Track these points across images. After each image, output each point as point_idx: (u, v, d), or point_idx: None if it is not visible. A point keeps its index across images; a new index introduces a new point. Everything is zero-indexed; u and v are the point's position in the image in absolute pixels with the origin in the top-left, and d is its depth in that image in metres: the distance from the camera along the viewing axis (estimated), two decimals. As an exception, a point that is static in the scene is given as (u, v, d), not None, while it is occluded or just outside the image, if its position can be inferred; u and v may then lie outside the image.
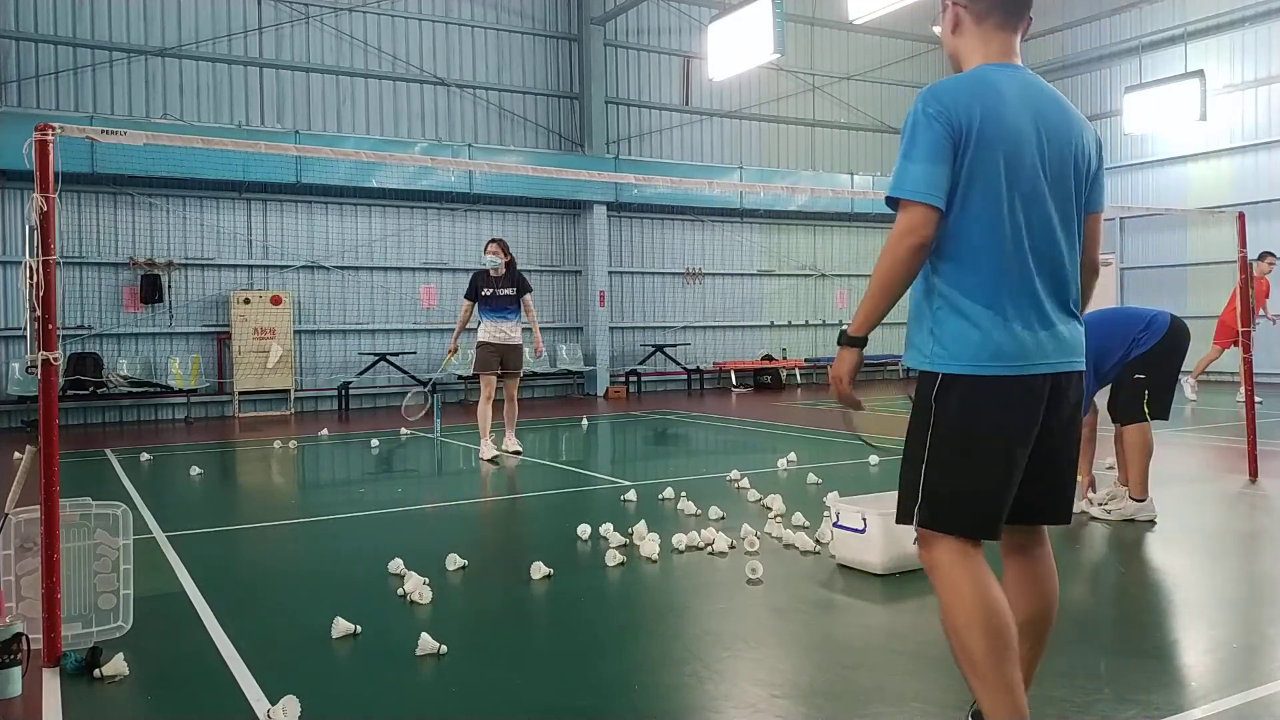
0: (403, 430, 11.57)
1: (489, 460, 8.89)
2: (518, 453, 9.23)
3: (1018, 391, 2.41)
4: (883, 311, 2.44)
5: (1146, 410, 5.74)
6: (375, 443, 10.55)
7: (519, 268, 9.52)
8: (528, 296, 9.24)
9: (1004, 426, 2.42)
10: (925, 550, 2.51)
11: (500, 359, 9.09)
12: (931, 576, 2.51)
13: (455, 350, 9.56)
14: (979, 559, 2.45)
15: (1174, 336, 5.73)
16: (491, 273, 9.13)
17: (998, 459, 2.43)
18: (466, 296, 9.28)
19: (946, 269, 2.45)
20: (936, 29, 2.76)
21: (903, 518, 2.54)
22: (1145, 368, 5.70)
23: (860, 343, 2.50)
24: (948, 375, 2.44)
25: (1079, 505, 6.00)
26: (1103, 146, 2.67)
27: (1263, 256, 12.52)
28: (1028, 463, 2.48)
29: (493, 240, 9.25)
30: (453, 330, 9.67)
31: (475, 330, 9.34)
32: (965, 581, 2.41)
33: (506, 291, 9.09)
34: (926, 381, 2.47)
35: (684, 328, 18.39)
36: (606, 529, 5.46)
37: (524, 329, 9.31)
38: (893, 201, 2.42)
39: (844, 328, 2.53)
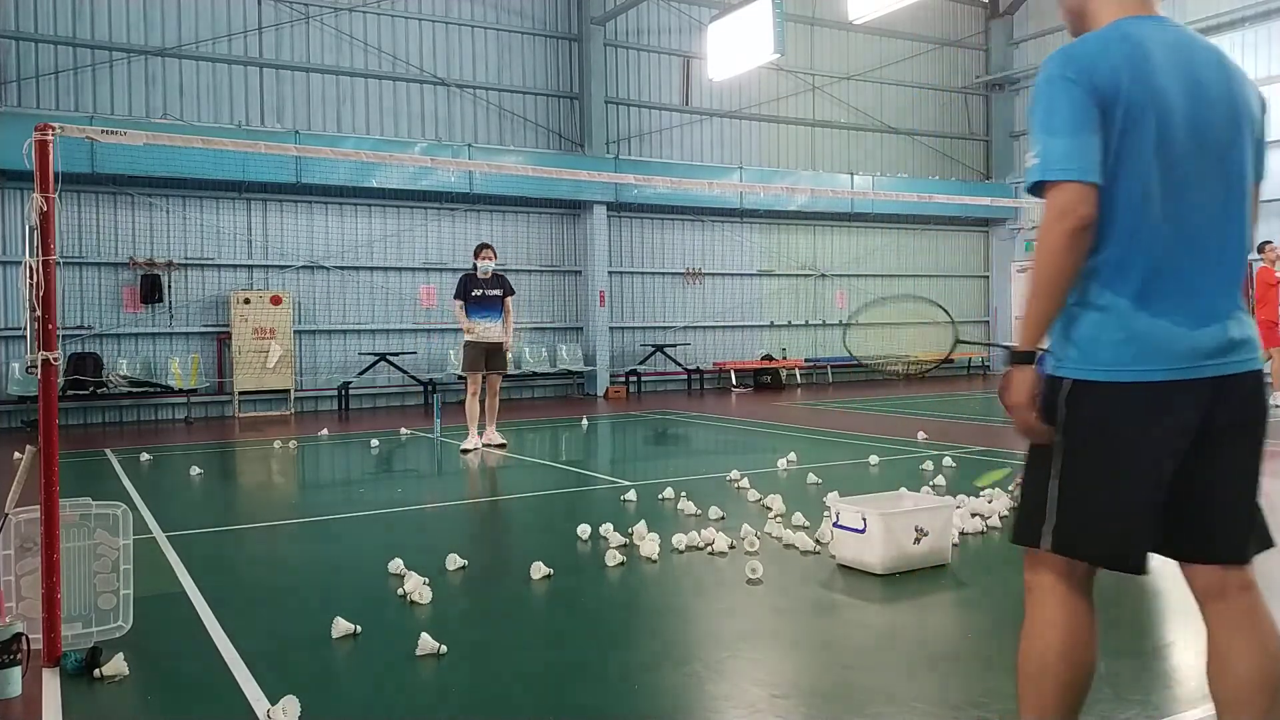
0: (403, 430, 11.59)
1: (465, 451, 9.43)
2: (501, 446, 9.58)
3: (1166, 399, 2.08)
4: (1052, 314, 2.11)
5: None
6: (375, 443, 10.55)
7: (511, 269, 9.94)
8: (509, 299, 9.70)
9: (1148, 441, 2.08)
10: (1029, 570, 2.27)
11: (485, 358, 9.54)
12: (1027, 597, 2.27)
13: (472, 330, 9.63)
14: (1083, 591, 2.21)
15: None
16: (480, 275, 9.56)
17: (1141, 479, 2.10)
18: (457, 296, 9.74)
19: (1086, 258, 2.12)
20: None
21: (1025, 538, 2.23)
22: None
23: (1033, 358, 2.14)
24: (1080, 382, 2.13)
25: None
26: (1267, 107, 2.26)
27: (1262, 248, 12.49)
28: (1192, 485, 2.15)
29: (486, 245, 9.70)
30: (459, 328, 10.08)
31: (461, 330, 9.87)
32: (1059, 611, 2.19)
33: (494, 293, 9.60)
34: (1053, 384, 2.17)
35: (684, 328, 18.39)
36: (606, 529, 5.47)
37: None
38: (1037, 186, 2.09)
39: (1011, 346, 2.15)
